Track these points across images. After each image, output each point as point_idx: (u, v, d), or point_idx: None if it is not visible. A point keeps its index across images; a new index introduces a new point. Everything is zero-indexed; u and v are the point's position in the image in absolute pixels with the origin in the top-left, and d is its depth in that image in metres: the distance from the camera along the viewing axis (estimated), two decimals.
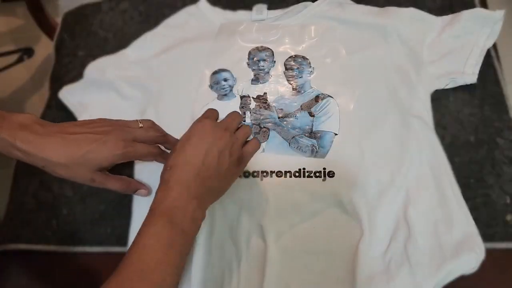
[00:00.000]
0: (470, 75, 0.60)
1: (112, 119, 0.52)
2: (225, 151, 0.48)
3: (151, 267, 0.40)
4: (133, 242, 0.42)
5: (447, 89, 0.62)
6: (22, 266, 0.61)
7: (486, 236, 0.51)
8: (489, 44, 0.61)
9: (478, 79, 0.60)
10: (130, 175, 0.62)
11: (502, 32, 0.62)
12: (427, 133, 0.57)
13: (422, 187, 0.54)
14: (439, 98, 0.61)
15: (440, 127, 0.60)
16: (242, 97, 0.63)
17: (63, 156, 0.46)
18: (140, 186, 0.56)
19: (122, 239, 0.59)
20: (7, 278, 0.61)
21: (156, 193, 0.46)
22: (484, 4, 0.71)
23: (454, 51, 0.61)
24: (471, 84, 0.61)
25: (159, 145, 0.55)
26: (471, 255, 0.49)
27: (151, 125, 0.53)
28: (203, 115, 0.53)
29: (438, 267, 0.49)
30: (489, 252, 0.50)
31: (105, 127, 0.49)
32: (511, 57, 0.80)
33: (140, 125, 0.52)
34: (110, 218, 0.62)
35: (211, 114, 0.54)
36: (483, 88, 0.62)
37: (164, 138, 0.54)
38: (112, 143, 0.48)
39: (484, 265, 0.49)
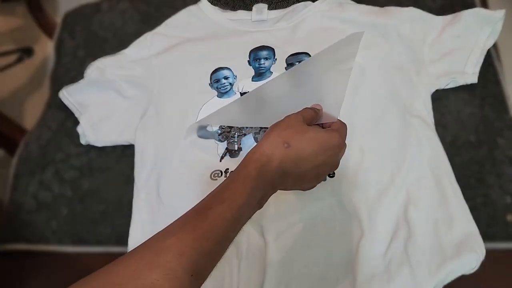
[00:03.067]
0: (470, 75, 0.60)
1: None
2: (324, 175, 0.52)
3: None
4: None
5: (447, 89, 0.62)
6: (22, 266, 0.61)
7: (486, 236, 0.51)
8: (490, 43, 0.61)
9: (479, 79, 0.60)
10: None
11: (502, 32, 0.62)
12: (427, 133, 0.57)
13: (422, 187, 0.54)
14: (439, 98, 0.61)
15: (441, 127, 0.59)
16: (242, 94, 0.63)
17: None
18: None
19: (122, 239, 0.59)
20: (7, 278, 0.61)
21: (258, 149, 0.43)
22: (484, 4, 0.71)
23: (455, 51, 0.61)
24: (471, 84, 0.61)
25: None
26: (472, 255, 0.49)
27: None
28: (340, 130, 0.48)
29: (439, 267, 0.49)
30: (489, 252, 0.50)
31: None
32: None
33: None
34: (110, 218, 0.62)
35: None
36: (483, 88, 0.62)
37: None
38: None
39: (484, 265, 0.49)
